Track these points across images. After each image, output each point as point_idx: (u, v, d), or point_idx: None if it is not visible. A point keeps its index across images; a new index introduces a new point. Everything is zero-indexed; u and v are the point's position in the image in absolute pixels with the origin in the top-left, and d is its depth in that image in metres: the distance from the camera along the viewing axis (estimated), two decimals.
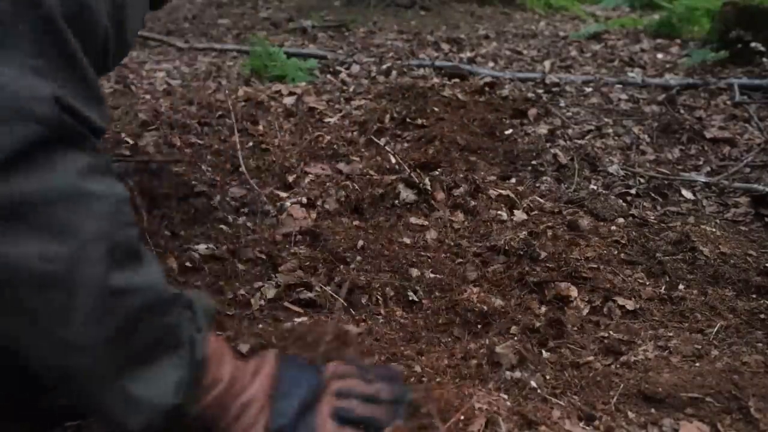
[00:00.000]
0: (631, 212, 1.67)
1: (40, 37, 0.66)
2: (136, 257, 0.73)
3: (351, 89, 2.77)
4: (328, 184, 1.77)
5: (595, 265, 1.41)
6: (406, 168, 1.75)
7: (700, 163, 2.05)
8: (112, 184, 0.72)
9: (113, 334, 0.70)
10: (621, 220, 1.63)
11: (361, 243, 1.45)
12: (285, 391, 0.85)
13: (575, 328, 1.22)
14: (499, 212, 1.62)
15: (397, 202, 1.65)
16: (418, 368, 1.08)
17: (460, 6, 5.29)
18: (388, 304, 1.28)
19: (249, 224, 1.55)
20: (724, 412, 1.00)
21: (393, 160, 1.88)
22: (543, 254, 1.43)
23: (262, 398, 0.84)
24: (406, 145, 2.09)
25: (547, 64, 3.37)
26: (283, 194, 1.71)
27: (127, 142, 1.97)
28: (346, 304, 1.26)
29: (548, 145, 2.14)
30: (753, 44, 3.08)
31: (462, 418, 0.94)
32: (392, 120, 2.27)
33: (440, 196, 1.69)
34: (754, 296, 1.33)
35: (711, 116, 2.46)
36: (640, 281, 1.37)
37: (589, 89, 2.83)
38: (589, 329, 1.23)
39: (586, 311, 1.29)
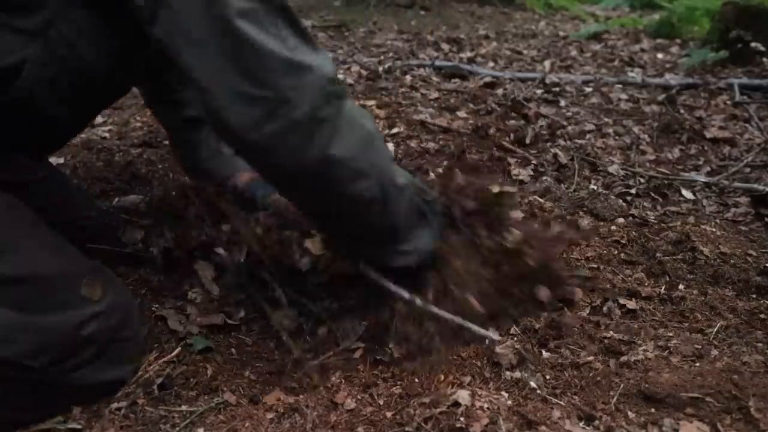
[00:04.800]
0: (631, 212, 1.67)
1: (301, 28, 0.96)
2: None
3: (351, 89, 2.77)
4: None
5: (595, 265, 1.41)
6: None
7: (700, 163, 2.05)
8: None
9: (408, 214, 1.12)
10: (621, 220, 1.63)
11: None
12: None
13: (575, 329, 1.22)
14: None
15: None
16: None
17: (460, 6, 5.29)
18: None
19: None
20: (724, 412, 1.00)
21: None
22: None
23: None
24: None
25: (547, 64, 3.37)
26: None
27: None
28: None
29: (548, 144, 2.14)
30: (753, 44, 3.09)
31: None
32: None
33: None
34: (754, 296, 1.33)
35: (711, 116, 2.46)
36: (640, 281, 1.37)
37: (589, 89, 2.84)
38: (589, 329, 1.23)
39: (586, 311, 1.29)
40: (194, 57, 0.89)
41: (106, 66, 1.02)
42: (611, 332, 1.21)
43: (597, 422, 0.98)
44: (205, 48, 0.89)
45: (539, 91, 2.79)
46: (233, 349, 1.19)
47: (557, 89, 2.81)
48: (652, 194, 1.80)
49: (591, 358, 1.14)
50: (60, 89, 0.97)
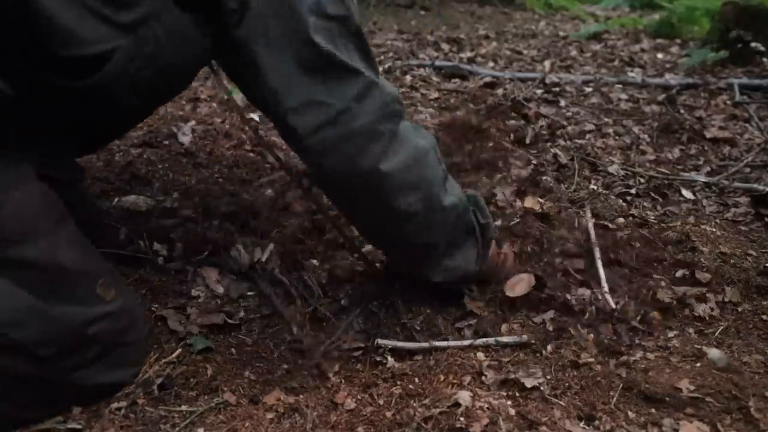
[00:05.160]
0: (631, 212, 1.67)
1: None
2: (448, 179, 1.17)
3: None
4: None
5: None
6: None
7: (700, 163, 2.05)
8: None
9: (454, 232, 1.19)
10: (621, 220, 1.63)
11: None
12: None
13: (575, 329, 1.22)
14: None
15: None
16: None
17: (460, 6, 5.29)
18: None
19: None
20: (724, 412, 1.00)
21: None
22: None
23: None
24: None
25: (547, 64, 3.37)
26: None
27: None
28: None
29: (548, 144, 2.14)
30: (753, 44, 3.08)
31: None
32: None
33: None
34: (754, 296, 1.33)
35: (711, 116, 2.46)
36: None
37: (589, 89, 2.84)
38: (589, 329, 1.23)
39: (586, 311, 1.29)
40: (271, 60, 0.99)
41: (185, 67, 1.07)
42: (611, 332, 1.21)
43: (597, 422, 0.98)
44: (283, 53, 0.99)
45: (539, 91, 2.79)
46: (233, 349, 1.19)
47: (557, 89, 2.81)
48: (652, 194, 1.80)
49: (591, 358, 1.14)
50: (139, 82, 1.01)
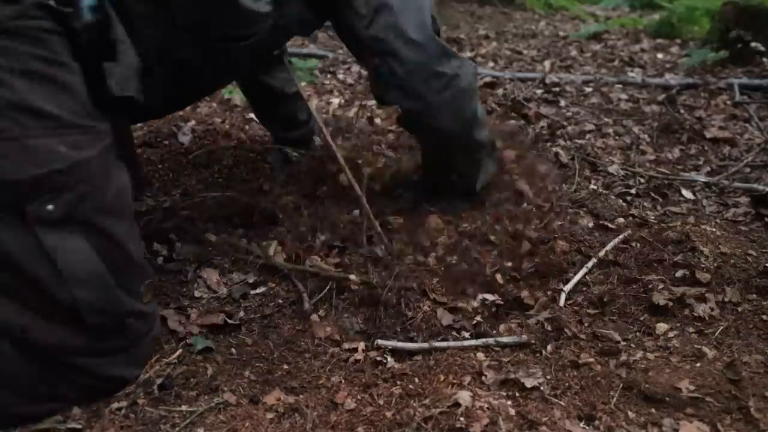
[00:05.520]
0: (631, 212, 1.67)
1: None
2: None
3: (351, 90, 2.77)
4: None
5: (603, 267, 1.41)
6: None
7: (700, 163, 2.05)
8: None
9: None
10: (621, 219, 1.63)
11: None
12: None
13: (575, 328, 1.22)
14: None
15: None
16: None
17: (460, 6, 5.29)
18: None
19: None
20: (724, 412, 1.00)
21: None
22: None
23: None
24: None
25: (547, 64, 3.37)
26: None
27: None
28: None
29: (548, 144, 2.14)
30: (753, 44, 3.08)
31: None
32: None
33: None
34: (754, 296, 1.33)
35: (711, 116, 2.46)
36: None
37: (589, 89, 2.83)
38: (589, 329, 1.23)
39: (586, 311, 1.29)
40: (407, 48, 1.33)
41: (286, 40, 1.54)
42: (611, 332, 1.22)
43: (597, 422, 0.98)
44: (416, 43, 1.33)
45: (539, 91, 2.79)
46: (233, 349, 1.19)
47: (557, 89, 2.81)
48: (652, 194, 1.80)
49: (591, 358, 1.14)
50: (259, 56, 1.42)
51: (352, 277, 1.31)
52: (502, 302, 1.29)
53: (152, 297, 1.11)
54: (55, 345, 0.96)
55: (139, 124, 2.25)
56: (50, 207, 0.92)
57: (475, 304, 1.30)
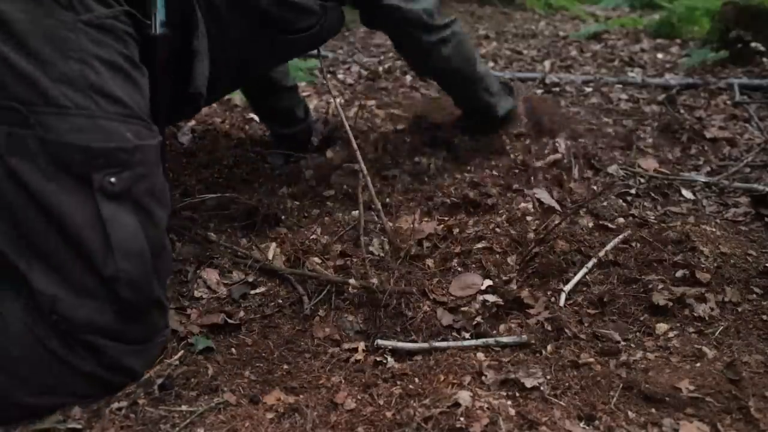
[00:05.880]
0: (631, 212, 1.67)
1: None
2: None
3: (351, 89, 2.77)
4: None
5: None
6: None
7: (700, 163, 2.05)
8: None
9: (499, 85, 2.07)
10: (621, 220, 1.63)
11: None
12: None
13: (575, 328, 1.22)
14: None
15: None
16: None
17: (460, 6, 5.29)
18: None
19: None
20: (724, 412, 1.00)
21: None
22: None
23: None
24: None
25: (547, 64, 3.37)
26: None
27: None
28: None
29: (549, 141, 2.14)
30: (753, 44, 3.08)
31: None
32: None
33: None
34: (754, 296, 1.33)
35: (711, 116, 2.46)
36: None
37: (589, 89, 2.84)
38: (589, 329, 1.23)
39: (586, 311, 1.29)
40: (417, 5, 1.68)
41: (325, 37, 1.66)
42: (611, 332, 1.22)
43: (597, 422, 0.98)
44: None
45: (539, 91, 2.79)
46: (233, 349, 1.19)
47: (557, 89, 2.81)
48: (652, 194, 1.80)
49: (591, 358, 1.14)
50: (316, 40, 1.59)
51: (352, 281, 1.31)
52: (502, 302, 1.30)
53: (171, 294, 1.14)
54: (81, 319, 0.98)
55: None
56: (113, 179, 1.00)
57: (476, 304, 1.30)
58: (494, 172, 1.86)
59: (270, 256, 1.44)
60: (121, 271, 0.99)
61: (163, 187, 1.11)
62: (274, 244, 1.48)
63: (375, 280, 1.31)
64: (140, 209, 1.04)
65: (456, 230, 1.53)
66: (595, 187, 1.83)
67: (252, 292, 1.35)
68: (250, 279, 1.38)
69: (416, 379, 1.09)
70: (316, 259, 1.43)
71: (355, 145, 1.56)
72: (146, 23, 1.12)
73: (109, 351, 1.02)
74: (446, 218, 1.60)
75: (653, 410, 1.01)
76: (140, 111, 1.07)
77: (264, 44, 1.44)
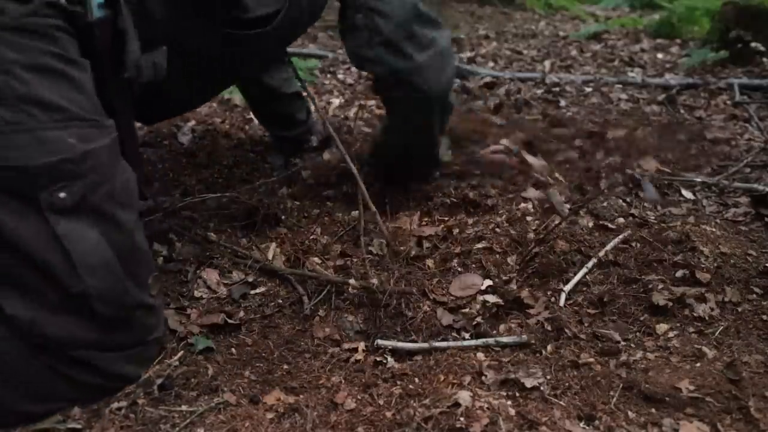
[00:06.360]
0: (631, 212, 1.67)
1: None
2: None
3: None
4: None
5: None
6: None
7: (700, 163, 2.05)
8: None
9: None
10: (621, 219, 1.63)
11: None
12: None
13: (575, 328, 1.22)
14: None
15: None
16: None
17: (460, 6, 5.29)
18: None
19: None
20: (724, 412, 1.00)
21: None
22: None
23: None
24: None
25: (547, 64, 3.37)
26: None
27: None
28: None
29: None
30: (753, 44, 3.08)
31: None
32: None
33: None
34: (754, 296, 1.33)
35: (711, 116, 2.46)
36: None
37: (589, 89, 2.84)
38: (589, 329, 1.23)
39: (586, 311, 1.29)
40: (389, 7, 1.37)
41: (308, 25, 1.51)
42: (611, 332, 1.22)
43: (597, 422, 0.98)
44: (398, 6, 1.38)
45: (539, 91, 2.79)
46: (233, 349, 1.19)
47: (557, 89, 2.81)
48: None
49: (591, 358, 1.14)
50: (281, 36, 1.39)
51: (352, 281, 1.31)
52: (502, 302, 1.29)
53: (159, 291, 1.11)
54: (63, 338, 0.97)
55: (138, 124, 2.26)
56: (62, 195, 0.94)
57: (476, 304, 1.30)
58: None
59: (270, 256, 1.44)
60: (89, 287, 0.96)
61: (126, 185, 1.05)
62: (274, 244, 1.48)
63: (375, 281, 1.31)
64: (100, 218, 0.99)
65: (456, 231, 1.53)
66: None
67: (252, 292, 1.35)
68: (250, 279, 1.38)
69: (416, 379, 1.09)
70: (316, 259, 1.43)
71: (343, 149, 1.54)
72: (78, 11, 1.01)
73: (100, 362, 1.01)
74: (446, 218, 1.60)
75: (653, 410, 1.01)
76: (83, 110, 0.99)
77: (213, 37, 1.26)
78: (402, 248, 1.45)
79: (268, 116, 2.06)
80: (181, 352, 1.16)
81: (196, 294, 1.32)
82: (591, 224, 1.59)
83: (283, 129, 2.03)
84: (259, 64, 1.71)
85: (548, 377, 1.09)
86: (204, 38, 1.25)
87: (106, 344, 1.01)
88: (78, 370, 1.00)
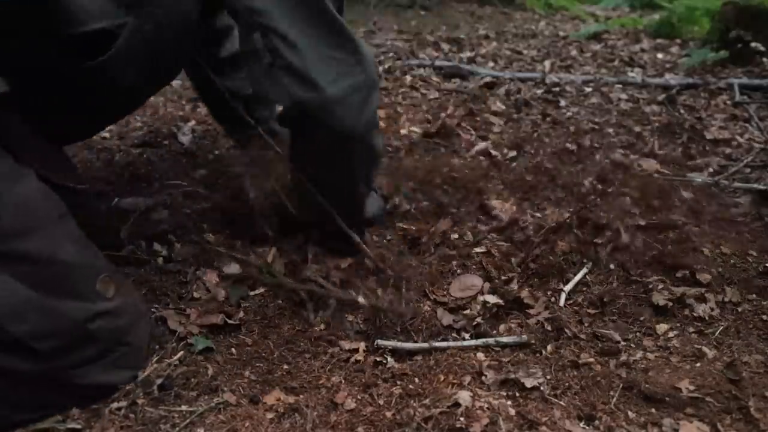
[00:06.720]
0: (631, 212, 1.67)
1: None
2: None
3: None
4: None
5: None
6: None
7: (700, 163, 2.05)
8: None
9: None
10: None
11: None
12: None
13: (575, 328, 1.22)
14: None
15: None
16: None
17: (460, 6, 5.29)
18: None
19: None
20: (724, 412, 1.00)
21: None
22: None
23: None
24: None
25: (547, 64, 3.37)
26: None
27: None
28: None
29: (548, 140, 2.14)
30: (753, 44, 3.08)
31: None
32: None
33: None
34: (754, 296, 1.33)
35: (711, 116, 2.46)
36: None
37: (589, 89, 2.84)
38: (589, 329, 1.23)
39: (586, 311, 1.29)
40: (288, 23, 1.08)
41: (180, 47, 1.19)
42: (611, 332, 1.22)
43: (597, 422, 0.98)
44: (299, 17, 1.08)
45: (539, 91, 2.79)
46: (233, 349, 1.19)
47: (557, 89, 2.81)
48: (653, 194, 1.80)
49: (591, 358, 1.14)
50: (138, 62, 1.09)
51: (361, 300, 1.26)
52: (502, 302, 1.29)
53: (118, 289, 1.05)
54: (28, 371, 0.94)
55: (139, 124, 2.26)
56: None
57: (476, 305, 1.30)
58: None
59: (270, 259, 1.43)
60: (16, 334, 0.91)
61: (22, 208, 0.95)
62: (274, 249, 1.47)
63: (381, 301, 1.27)
64: (3, 260, 0.92)
65: (455, 232, 1.53)
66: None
67: (252, 293, 1.34)
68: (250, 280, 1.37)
69: (416, 379, 1.09)
70: (315, 266, 1.42)
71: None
72: None
73: (78, 379, 0.99)
74: (446, 219, 1.60)
75: (653, 410, 1.01)
76: None
77: (56, 67, 1.02)
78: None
79: (227, 118, 1.82)
80: (181, 352, 1.16)
81: (196, 294, 1.31)
82: (591, 224, 1.58)
83: (242, 130, 1.76)
84: (128, 105, 1.35)
85: (548, 377, 1.09)
86: (47, 70, 1.03)
87: (76, 363, 0.98)
88: (65, 387, 0.99)
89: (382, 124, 2.28)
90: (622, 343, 1.19)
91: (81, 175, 1.36)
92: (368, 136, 1.21)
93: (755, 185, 1.81)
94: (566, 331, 1.21)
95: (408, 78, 2.99)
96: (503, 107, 2.52)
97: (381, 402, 1.03)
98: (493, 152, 2.03)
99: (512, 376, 1.08)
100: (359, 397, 1.05)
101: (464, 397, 1.01)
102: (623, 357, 1.14)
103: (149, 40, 1.07)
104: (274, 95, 1.16)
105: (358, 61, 1.14)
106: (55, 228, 1.01)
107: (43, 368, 0.95)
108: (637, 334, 1.23)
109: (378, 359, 1.17)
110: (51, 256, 0.97)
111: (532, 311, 1.28)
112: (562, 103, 2.62)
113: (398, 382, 1.08)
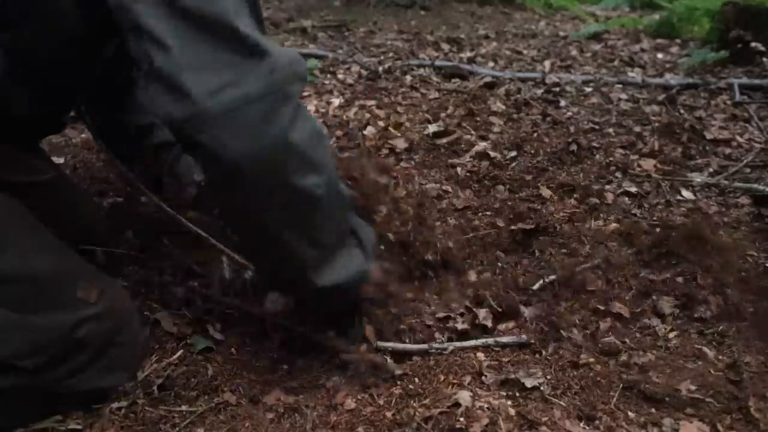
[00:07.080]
0: (631, 212, 1.67)
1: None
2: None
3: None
4: None
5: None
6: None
7: (700, 163, 2.05)
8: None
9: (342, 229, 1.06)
10: (621, 219, 1.63)
11: None
12: None
13: (576, 328, 1.22)
14: None
15: None
16: None
17: (460, 6, 5.29)
18: None
19: None
20: (724, 412, 1.00)
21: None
22: None
23: None
24: None
25: (547, 64, 3.36)
26: None
27: None
28: None
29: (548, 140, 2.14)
30: (753, 44, 3.08)
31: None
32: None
33: None
34: (754, 297, 1.33)
35: (711, 116, 2.46)
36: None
37: (589, 89, 2.83)
38: (589, 329, 1.23)
39: (586, 311, 1.29)
40: (170, 20, 0.84)
41: (72, 69, 1.06)
42: (611, 332, 1.21)
43: (597, 422, 0.98)
44: (187, 12, 0.84)
45: (539, 91, 2.79)
46: (233, 349, 1.19)
47: (557, 89, 2.81)
48: (653, 194, 1.80)
49: (591, 358, 1.14)
50: (22, 89, 1.00)
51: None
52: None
53: (102, 292, 1.03)
54: (23, 386, 0.95)
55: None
56: None
57: (476, 305, 1.30)
58: None
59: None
60: (7, 356, 0.92)
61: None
62: None
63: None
64: None
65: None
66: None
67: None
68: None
69: (416, 379, 1.09)
70: None
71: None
72: None
73: (73, 388, 0.99)
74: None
75: (653, 410, 1.01)
76: None
77: None
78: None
79: (133, 154, 1.51)
80: (181, 351, 1.16)
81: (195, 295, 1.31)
82: (590, 224, 1.59)
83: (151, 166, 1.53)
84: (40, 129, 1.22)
85: (548, 377, 1.09)
86: None
87: (69, 372, 0.98)
88: (58, 397, 0.99)
89: (380, 124, 2.27)
90: (622, 343, 1.19)
91: (49, 164, 1.26)
92: (281, 167, 0.90)
93: (755, 185, 1.80)
94: (566, 331, 1.21)
95: (408, 78, 2.99)
96: (503, 107, 2.52)
97: (381, 402, 1.03)
98: (492, 153, 2.03)
99: (512, 376, 1.08)
100: (359, 397, 1.05)
101: (464, 397, 1.01)
102: (623, 357, 1.14)
103: (26, 59, 0.97)
104: (151, 110, 0.89)
105: (256, 65, 0.86)
106: (25, 240, 1.00)
107: (35, 384, 0.95)
108: (637, 334, 1.23)
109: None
110: (24, 272, 0.96)
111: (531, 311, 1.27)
112: (562, 103, 2.62)
113: (398, 383, 1.08)
